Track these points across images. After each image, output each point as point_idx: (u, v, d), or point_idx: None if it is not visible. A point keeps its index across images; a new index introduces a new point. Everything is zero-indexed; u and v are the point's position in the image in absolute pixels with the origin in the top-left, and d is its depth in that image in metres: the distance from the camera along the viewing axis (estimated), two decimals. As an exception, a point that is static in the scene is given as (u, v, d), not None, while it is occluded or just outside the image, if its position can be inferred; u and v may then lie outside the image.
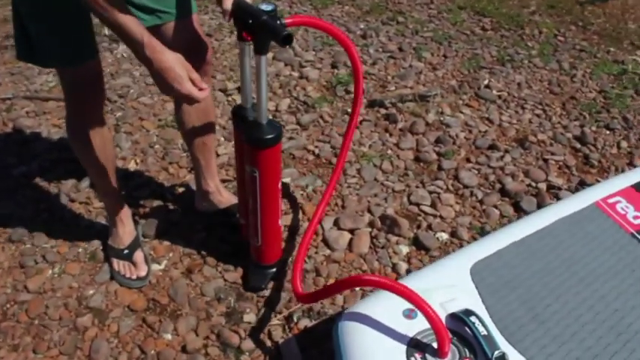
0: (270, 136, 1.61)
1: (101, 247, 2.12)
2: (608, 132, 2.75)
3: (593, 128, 2.76)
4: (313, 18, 1.58)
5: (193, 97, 1.41)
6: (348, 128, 1.89)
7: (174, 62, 1.37)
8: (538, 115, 2.84)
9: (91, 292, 1.96)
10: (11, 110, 2.98)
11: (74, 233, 2.18)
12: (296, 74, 3.20)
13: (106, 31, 3.60)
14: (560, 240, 1.73)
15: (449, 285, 1.57)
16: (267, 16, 1.40)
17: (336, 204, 2.29)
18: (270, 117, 1.67)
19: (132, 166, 2.53)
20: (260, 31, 1.44)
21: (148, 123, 2.83)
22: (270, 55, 3.15)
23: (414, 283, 1.51)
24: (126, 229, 2.06)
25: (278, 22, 1.41)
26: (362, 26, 3.79)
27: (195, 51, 1.73)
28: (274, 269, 1.96)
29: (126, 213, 2.07)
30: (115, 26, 1.33)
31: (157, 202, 2.31)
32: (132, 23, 1.33)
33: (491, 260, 1.65)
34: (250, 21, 1.43)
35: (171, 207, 2.28)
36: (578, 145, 2.63)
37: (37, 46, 1.62)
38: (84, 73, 1.68)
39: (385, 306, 1.46)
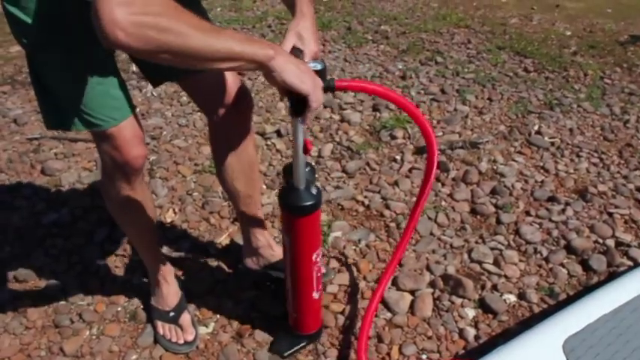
0: (305, 204, 1.44)
1: (142, 306, 1.97)
2: (671, 183, 2.59)
3: (655, 179, 2.61)
4: (365, 82, 1.45)
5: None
6: (419, 199, 1.60)
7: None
8: (595, 164, 2.68)
9: (134, 357, 1.81)
10: (39, 151, 2.87)
11: (111, 289, 2.04)
12: (336, 117, 3.07)
13: (134, 67, 3.49)
14: (654, 312, 1.60)
15: (542, 365, 1.43)
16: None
17: (393, 261, 2.13)
18: (313, 163, 1.52)
19: (170, 215, 2.39)
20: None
21: (184, 168, 2.70)
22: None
23: (503, 362, 1.38)
24: (170, 289, 1.90)
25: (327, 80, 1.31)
26: (400, 66, 3.67)
27: (238, 94, 1.63)
28: (305, 342, 1.80)
29: (169, 271, 1.92)
30: (233, 54, 1.11)
31: (199, 257, 2.16)
32: (254, 41, 1.17)
33: (584, 335, 1.52)
34: None
35: (215, 262, 2.13)
36: (642, 198, 2.48)
37: (68, 109, 1.44)
38: (124, 132, 1.47)
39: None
